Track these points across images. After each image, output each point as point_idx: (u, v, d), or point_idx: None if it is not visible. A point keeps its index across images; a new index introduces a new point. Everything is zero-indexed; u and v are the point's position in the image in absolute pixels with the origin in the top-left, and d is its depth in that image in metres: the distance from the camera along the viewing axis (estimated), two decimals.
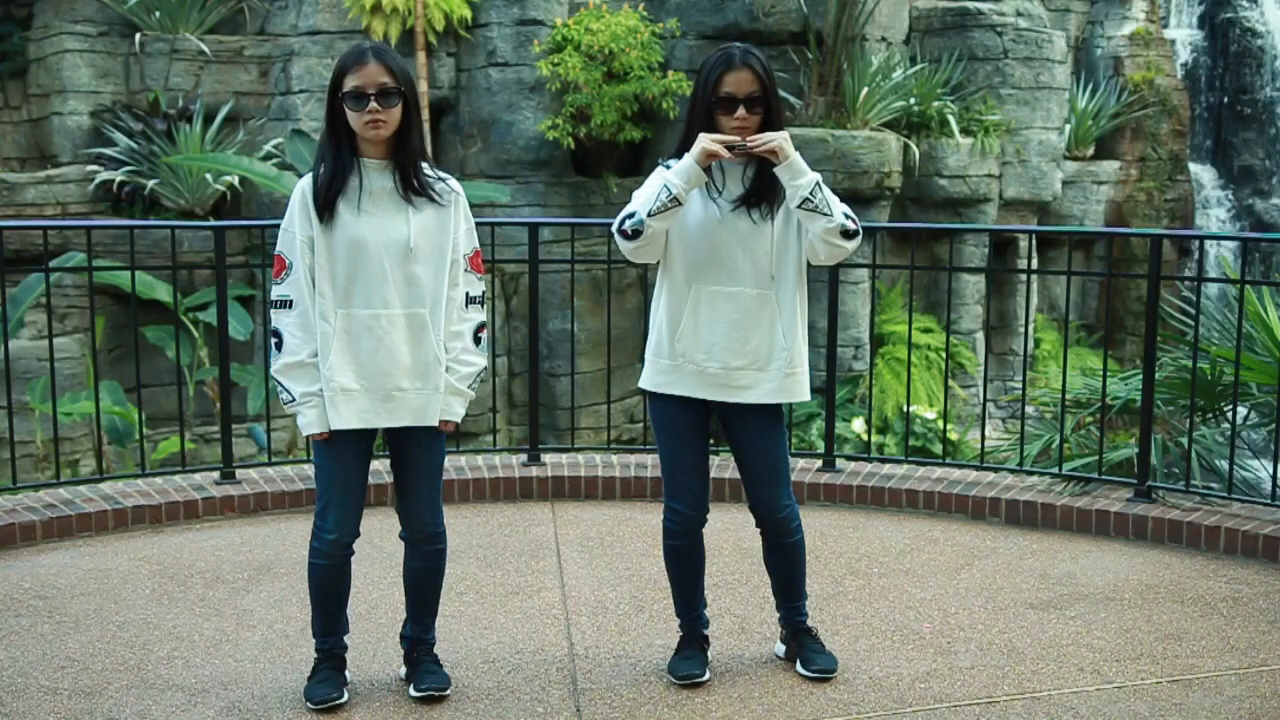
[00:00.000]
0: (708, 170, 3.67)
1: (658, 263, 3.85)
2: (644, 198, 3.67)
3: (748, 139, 3.62)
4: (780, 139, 3.60)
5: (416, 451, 3.71)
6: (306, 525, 5.48)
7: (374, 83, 3.48)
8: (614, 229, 3.72)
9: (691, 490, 3.85)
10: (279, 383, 3.63)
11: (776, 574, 4.03)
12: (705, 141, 3.60)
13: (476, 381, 3.74)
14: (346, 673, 3.86)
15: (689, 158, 3.62)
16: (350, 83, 3.48)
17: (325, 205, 3.54)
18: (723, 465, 5.99)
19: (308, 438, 3.69)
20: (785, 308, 3.75)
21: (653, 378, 3.85)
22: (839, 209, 3.62)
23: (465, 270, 3.70)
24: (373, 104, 3.47)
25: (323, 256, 3.56)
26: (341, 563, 3.74)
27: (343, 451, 3.64)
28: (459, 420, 3.72)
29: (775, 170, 3.63)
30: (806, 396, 3.84)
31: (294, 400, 3.59)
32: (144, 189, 12.08)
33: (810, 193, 3.59)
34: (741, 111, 3.63)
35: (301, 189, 3.59)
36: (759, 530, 3.97)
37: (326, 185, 3.54)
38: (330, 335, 3.57)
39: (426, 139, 3.71)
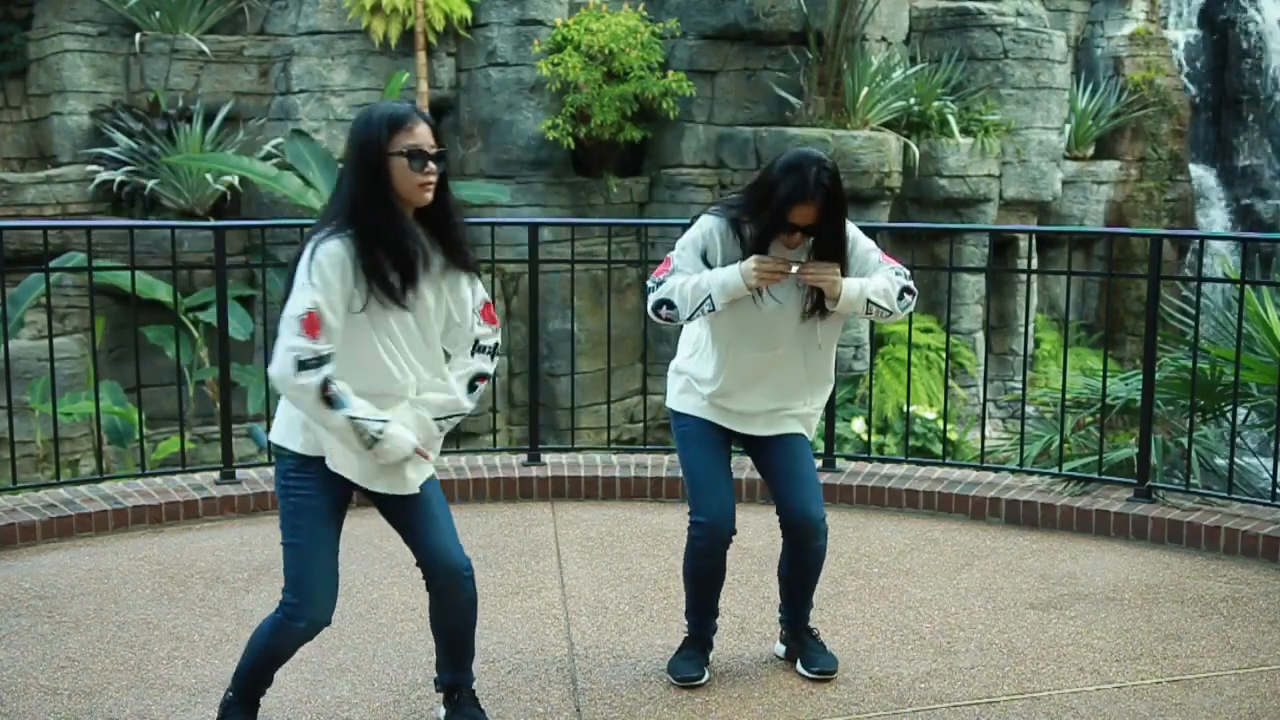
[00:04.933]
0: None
1: None
2: (683, 292, 3.67)
3: (801, 270, 3.64)
4: (828, 282, 3.64)
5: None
6: None
7: (429, 144, 3.22)
8: (649, 308, 3.75)
9: (718, 495, 3.83)
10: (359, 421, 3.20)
11: (789, 584, 4.01)
12: (754, 274, 3.60)
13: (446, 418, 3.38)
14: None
15: (739, 276, 3.61)
16: (406, 142, 3.19)
17: (409, 283, 3.23)
18: None
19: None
20: (822, 365, 3.87)
21: (684, 401, 3.89)
22: (895, 293, 3.70)
23: (479, 323, 3.43)
24: (430, 165, 3.20)
25: (383, 335, 3.25)
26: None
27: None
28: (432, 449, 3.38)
29: (832, 309, 3.71)
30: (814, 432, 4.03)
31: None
32: (144, 189, 12.07)
33: (867, 310, 3.70)
34: (798, 236, 3.66)
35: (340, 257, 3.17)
36: (785, 539, 3.94)
37: (404, 259, 3.20)
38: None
39: None
